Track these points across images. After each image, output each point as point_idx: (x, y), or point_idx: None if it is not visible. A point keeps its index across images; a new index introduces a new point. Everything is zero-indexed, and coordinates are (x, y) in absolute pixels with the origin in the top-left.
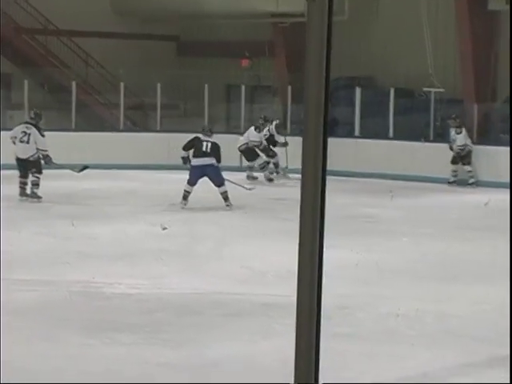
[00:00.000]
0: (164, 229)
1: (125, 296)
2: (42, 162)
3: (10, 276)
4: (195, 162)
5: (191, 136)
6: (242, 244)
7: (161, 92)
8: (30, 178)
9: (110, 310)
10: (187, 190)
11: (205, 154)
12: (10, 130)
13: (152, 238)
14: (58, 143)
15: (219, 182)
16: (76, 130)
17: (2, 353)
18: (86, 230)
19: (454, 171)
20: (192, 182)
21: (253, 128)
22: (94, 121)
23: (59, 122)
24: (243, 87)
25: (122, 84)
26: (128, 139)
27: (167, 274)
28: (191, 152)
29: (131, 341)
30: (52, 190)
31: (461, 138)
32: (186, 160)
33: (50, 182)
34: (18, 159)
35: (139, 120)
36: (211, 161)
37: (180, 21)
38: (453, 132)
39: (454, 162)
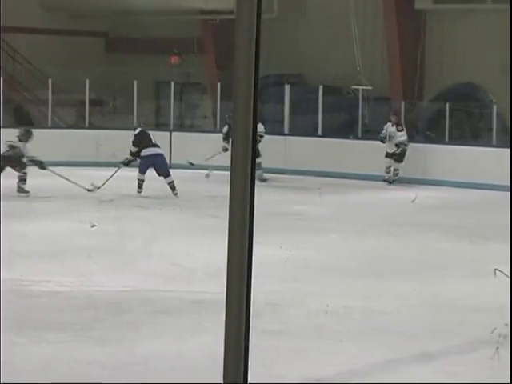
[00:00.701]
0: (93, 226)
1: (54, 294)
2: None
3: None
4: (146, 152)
5: (121, 132)
6: (172, 241)
7: (89, 88)
8: None
9: (38, 308)
10: (140, 178)
11: (154, 145)
12: None
13: (81, 236)
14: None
15: (166, 172)
16: (3, 126)
17: None
18: (14, 227)
19: (388, 167)
20: (143, 170)
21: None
22: (21, 117)
23: None
24: (172, 84)
25: (49, 80)
26: (56, 136)
27: (97, 271)
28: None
29: (60, 339)
30: None
31: (401, 135)
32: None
33: None
34: None
35: (67, 117)
36: (161, 151)
37: (109, 17)
38: (392, 129)
39: (388, 156)
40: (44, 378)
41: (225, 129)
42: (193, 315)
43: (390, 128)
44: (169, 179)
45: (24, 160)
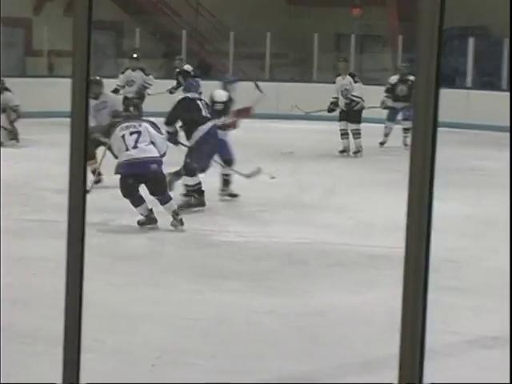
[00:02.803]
0: (272, 178)
1: (232, 244)
2: None
3: (120, 222)
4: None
5: (301, 85)
6: (350, 195)
7: (270, 41)
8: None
9: (217, 258)
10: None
11: None
12: None
13: (260, 187)
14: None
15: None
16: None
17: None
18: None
19: None
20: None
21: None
22: (205, 70)
23: (169, 71)
24: (353, 36)
25: (231, 33)
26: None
27: (274, 222)
28: None
29: (237, 288)
30: None
31: None
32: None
33: None
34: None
35: (248, 69)
36: None
37: None
38: None
39: None
40: (220, 326)
41: (392, 78)
42: (369, 269)
43: None
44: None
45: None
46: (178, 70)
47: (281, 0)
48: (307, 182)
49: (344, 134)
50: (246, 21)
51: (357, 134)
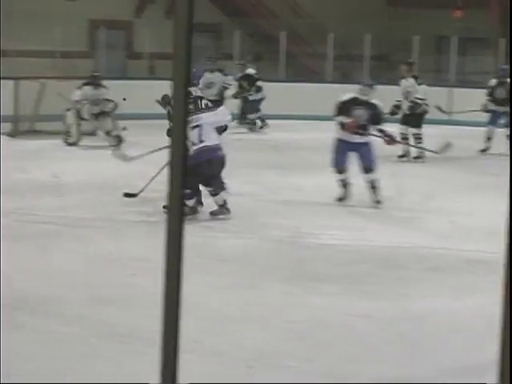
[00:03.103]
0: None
1: (329, 247)
2: None
3: (214, 224)
4: None
5: (396, 88)
6: (449, 198)
7: (369, 43)
8: None
9: (314, 260)
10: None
11: None
12: None
13: (360, 190)
14: (266, 93)
15: None
16: (285, 80)
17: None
18: (292, 180)
19: None
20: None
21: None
22: (301, 71)
23: (267, 73)
24: (454, 39)
25: (330, 35)
26: (336, 90)
27: (371, 226)
28: None
29: (334, 291)
30: (261, 139)
31: None
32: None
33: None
34: None
35: (347, 71)
36: None
37: None
38: None
39: None
40: (316, 329)
41: (492, 81)
42: (468, 274)
43: None
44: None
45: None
46: (240, 74)
47: (380, 2)
48: (407, 184)
49: (404, 139)
50: (345, 23)
51: (418, 139)
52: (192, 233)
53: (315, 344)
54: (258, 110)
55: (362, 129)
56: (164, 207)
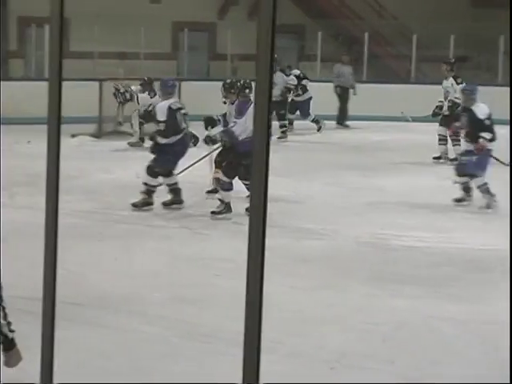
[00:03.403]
0: (456, 183)
1: (411, 248)
2: None
3: (297, 224)
4: None
5: (486, 89)
6: None
7: (454, 44)
8: None
9: (396, 262)
10: None
11: None
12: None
13: (441, 192)
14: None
15: None
16: (368, 81)
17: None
18: (374, 181)
19: None
20: None
21: None
22: (384, 72)
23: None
24: None
25: (414, 36)
26: (418, 91)
27: (455, 228)
28: None
29: (417, 294)
30: (342, 140)
31: None
32: None
33: (343, 133)
34: None
35: (431, 72)
36: None
37: None
38: None
39: None
40: (399, 332)
41: None
42: None
43: None
44: None
45: None
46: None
47: (465, 2)
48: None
49: (441, 140)
50: (429, 23)
51: (455, 141)
52: (273, 234)
53: (397, 346)
54: (308, 111)
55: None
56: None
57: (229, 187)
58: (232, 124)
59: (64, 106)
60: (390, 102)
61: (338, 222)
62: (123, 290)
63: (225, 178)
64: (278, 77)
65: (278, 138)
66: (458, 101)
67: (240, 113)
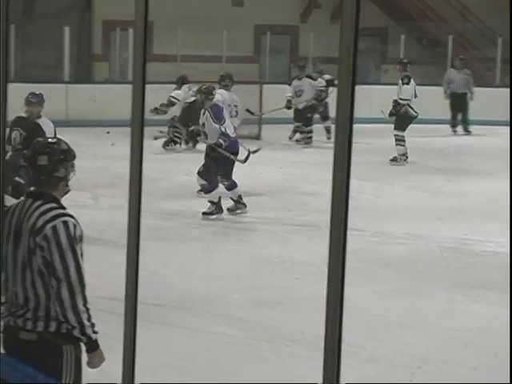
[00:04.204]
0: None
1: (495, 254)
2: None
3: (378, 228)
4: None
5: None
6: None
7: None
8: None
9: (480, 268)
10: None
11: None
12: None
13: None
14: (430, 98)
15: None
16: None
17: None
18: (458, 186)
19: None
20: None
21: None
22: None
23: (434, 77)
24: None
25: (499, 38)
26: (504, 95)
27: None
28: None
29: (501, 300)
30: (423, 145)
31: None
32: None
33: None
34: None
35: None
36: None
37: None
38: None
39: None
40: (482, 338)
41: None
42: None
43: None
44: None
45: None
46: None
47: None
48: None
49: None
50: None
51: (398, 141)
52: (355, 237)
53: (479, 352)
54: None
55: None
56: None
57: (209, 188)
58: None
59: (147, 109)
60: (474, 105)
61: (420, 226)
62: (204, 292)
63: (201, 181)
64: (305, 82)
65: (298, 141)
66: (401, 101)
67: (217, 118)
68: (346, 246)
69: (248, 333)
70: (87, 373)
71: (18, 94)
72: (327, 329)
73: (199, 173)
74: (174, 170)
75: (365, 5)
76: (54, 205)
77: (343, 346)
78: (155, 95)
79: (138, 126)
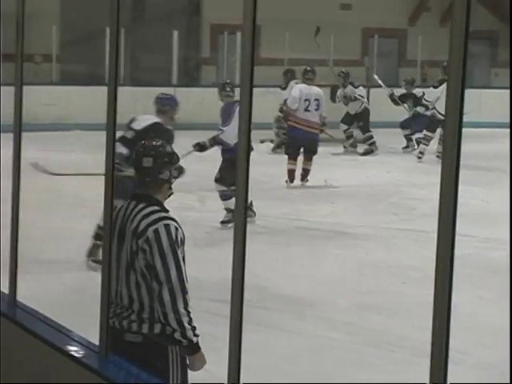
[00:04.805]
0: None
1: None
2: None
3: (486, 234)
4: None
5: None
6: None
7: None
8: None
9: None
10: None
11: None
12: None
13: None
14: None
15: None
16: None
17: None
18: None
19: None
20: None
21: None
22: None
23: None
24: None
25: None
26: None
27: None
28: None
29: None
30: None
31: None
32: None
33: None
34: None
35: None
36: None
37: None
38: None
39: None
40: None
41: None
42: None
43: None
44: None
45: None
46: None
47: None
48: None
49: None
50: None
51: (424, 140)
52: (462, 243)
53: None
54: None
55: None
56: None
57: (228, 195)
58: (219, 132)
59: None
60: None
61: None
62: (309, 296)
63: (221, 187)
64: (349, 90)
65: (362, 153)
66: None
67: (228, 117)
68: (454, 251)
69: (353, 337)
70: (192, 373)
71: (127, 97)
72: (434, 335)
73: (216, 180)
74: (279, 173)
75: (475, 8)
76: (156, 208)
77: (450, 352)
78: (262, 98)
79: (245, 128)
